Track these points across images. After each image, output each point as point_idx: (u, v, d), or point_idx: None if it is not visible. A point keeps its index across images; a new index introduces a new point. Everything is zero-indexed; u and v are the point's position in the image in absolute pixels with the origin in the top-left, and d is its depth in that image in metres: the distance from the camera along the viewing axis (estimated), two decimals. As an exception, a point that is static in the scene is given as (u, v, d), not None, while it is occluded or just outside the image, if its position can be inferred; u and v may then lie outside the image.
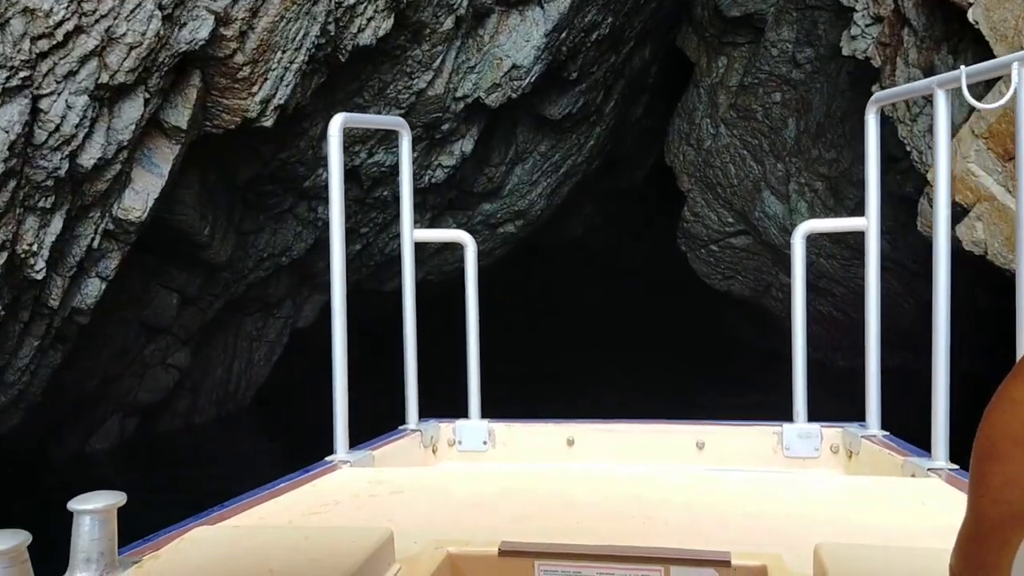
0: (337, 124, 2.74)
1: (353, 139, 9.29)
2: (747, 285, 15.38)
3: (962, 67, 2.29)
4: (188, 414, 10.96)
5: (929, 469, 2.39)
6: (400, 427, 3.06)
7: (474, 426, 3.08)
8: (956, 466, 2.38)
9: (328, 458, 2.63)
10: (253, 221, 9.54)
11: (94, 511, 1.44)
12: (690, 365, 15.32)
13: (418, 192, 11.86)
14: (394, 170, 10.27)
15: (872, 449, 2.73)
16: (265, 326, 11.84)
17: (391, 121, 3.27)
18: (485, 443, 3.06)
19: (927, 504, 2.09)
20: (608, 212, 19.61)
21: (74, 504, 1.45)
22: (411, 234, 3.03)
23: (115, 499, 1.47)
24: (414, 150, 10.40)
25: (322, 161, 9.29)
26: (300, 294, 12.18)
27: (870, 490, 2.30)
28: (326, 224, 10.72)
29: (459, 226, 14.17)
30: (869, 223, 2.84)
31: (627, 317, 22.77)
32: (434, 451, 3.08)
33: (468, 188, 13.19)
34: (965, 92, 2.25)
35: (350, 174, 10.08)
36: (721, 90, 13.70)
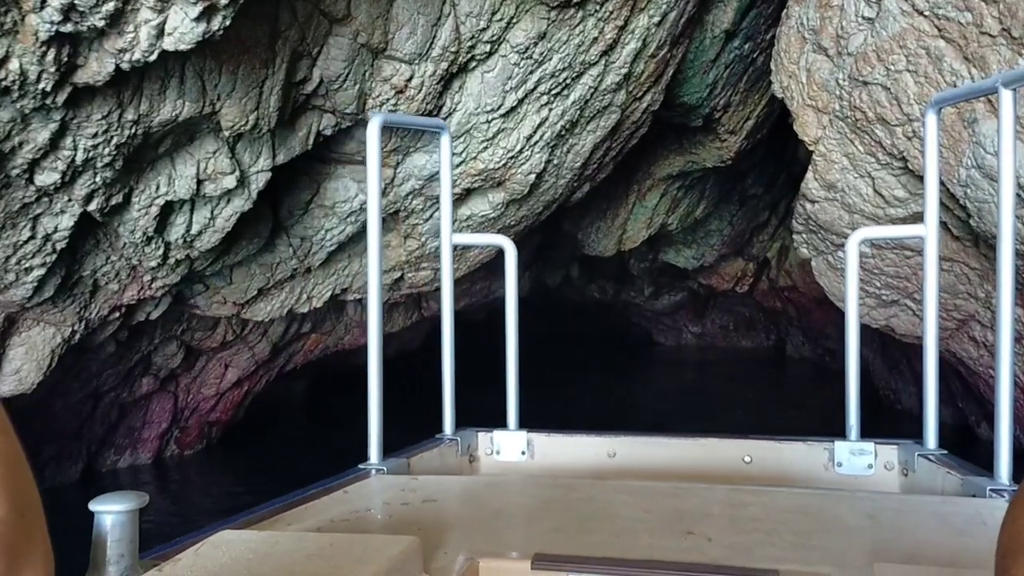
0: (375, 125, 2.70)
1: None
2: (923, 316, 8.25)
3: None
4: None
5: (991, 489, 2.33)
6: (436, 435, 3.03)
7: (512, 436, 3.08)
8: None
9: (361, 465, 2.62)
10: None
11: (116, 511, 1.47)
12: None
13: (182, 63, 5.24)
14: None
15: (929, 467, 2.68)
16: None
17: (431, 123, 3.32)
18: (523, 453, 3.06)
19: (988, 524, 2.03)
20: (685, 203, 12.89)
21: (95, 504, 1.46)
22: (450, 238, 3.06)
23: (137, 500, 1.49)
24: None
25: None
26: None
27: (928, 509, 2.21)
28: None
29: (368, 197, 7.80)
30: (928, 230, 2.80)
31: (723, 373, 16.10)
32: (471, 460, 3.08)
33: (347, 105, 6.47)
34: None
35: None
36: (886, -66, 6.74)
